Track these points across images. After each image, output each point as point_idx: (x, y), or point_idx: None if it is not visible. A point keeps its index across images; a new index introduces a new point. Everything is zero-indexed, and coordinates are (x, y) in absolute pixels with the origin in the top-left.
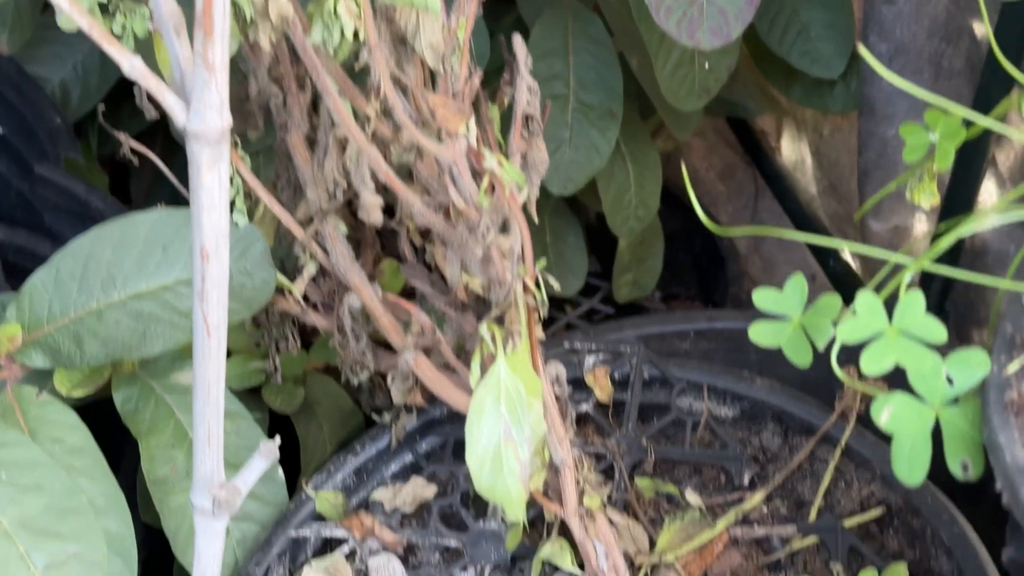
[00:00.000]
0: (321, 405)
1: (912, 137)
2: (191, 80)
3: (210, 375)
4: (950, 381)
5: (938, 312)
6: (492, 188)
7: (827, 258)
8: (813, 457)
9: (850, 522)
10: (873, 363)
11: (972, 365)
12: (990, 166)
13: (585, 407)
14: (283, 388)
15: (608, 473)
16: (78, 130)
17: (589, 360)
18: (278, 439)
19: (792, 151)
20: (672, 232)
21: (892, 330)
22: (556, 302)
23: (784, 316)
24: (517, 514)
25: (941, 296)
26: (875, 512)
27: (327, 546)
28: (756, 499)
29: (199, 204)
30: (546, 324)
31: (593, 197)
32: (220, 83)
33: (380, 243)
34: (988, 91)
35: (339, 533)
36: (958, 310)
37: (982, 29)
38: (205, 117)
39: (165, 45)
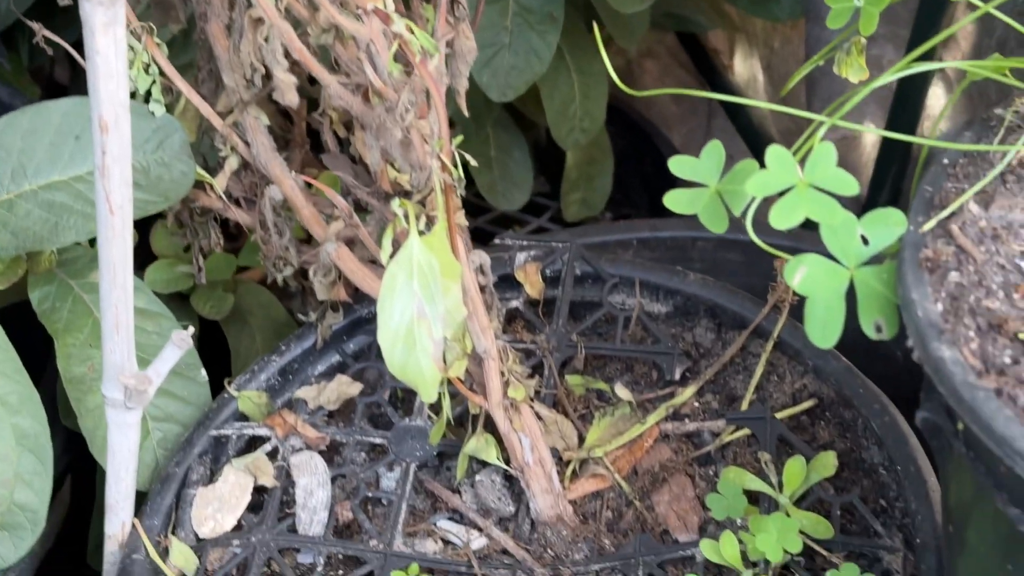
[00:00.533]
0: (253, 315)
1: (836, 2)
2: None
3: (115, 256)
4: (866, 242)
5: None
6: (409, 69)
7: None
8: (746, 351)
9: (781, 414)
10: (783, 217)
11: (888, 224)
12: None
13: (515, 303)
14: (212, 294)
15: (538, 370)
16: (8, 42)
17: (520, 256)
18: (191, 328)
19: (744, 68)
20: (622, 153)
21: (803, 183)
22: (504, 221)
23: (701, 184)
24: (431, 394)
25: (892, 199)
26: (806, 404)
27: (250, 446)
28: (687, 394)
29: (95, 71)
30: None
31: (538, 110)
32: None
33: (310, 147)
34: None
35: (261, 432)
36: None
37: None
38: None
39: None
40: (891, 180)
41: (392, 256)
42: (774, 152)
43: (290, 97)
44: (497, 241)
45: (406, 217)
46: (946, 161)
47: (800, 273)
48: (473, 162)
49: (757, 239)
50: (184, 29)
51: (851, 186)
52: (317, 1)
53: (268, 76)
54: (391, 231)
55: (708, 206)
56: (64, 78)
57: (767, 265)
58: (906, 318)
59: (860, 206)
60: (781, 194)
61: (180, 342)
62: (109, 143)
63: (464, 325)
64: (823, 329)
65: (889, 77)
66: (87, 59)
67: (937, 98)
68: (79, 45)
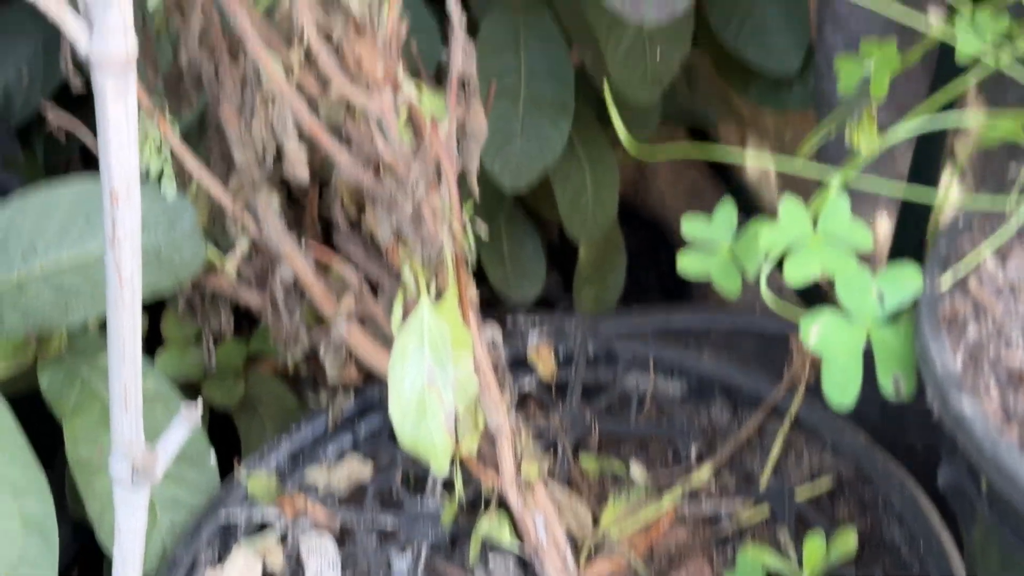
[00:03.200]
0: (263, 403)
1: (846, 68)
2: (93, 2)
3: (124, 329)
4: (882, 299)
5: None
6: (420, 141)
7: None
8: (762, 430)
9: (800, 493)
10: (796, 271)
11: (904, 280)
12: (948, 157)
13: (528, 385)
14: (222, 383)
15: (551, 451)
16: (24, 138)
17: (533, 337)
18: (200, 403)
19: (756, 165)
20: (636, 250)
21: (816, 236)
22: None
23: (714, 245)
24: (442, 465)
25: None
26: (825, 482)
27: (259, 528)
28: (703, 474)
29: (106, 141)
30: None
31: (550, 205)
32: (123, 3)
33: (320, 229)
34: (944, 79)
35: (270, 514)
36: None
37: (936, 20)
38: (108, 41)
39: None
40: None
41: (403, 324)
42: (787, 205)
43: (300, 171)
44: (510, 323)
45: (417, 284)
46: (962, 217)
47: (816, 331)
48: (484, 235)
49: (771, 299)
50: (197, 115)
51: (866, 239)
52: (328, 74)
53: (279, 156)
54: (402, 298)
55: (721, 266)
56: (79, 170)
57: (781, 355)
58: (925, 374)
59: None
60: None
61: (189, 417)
62: (120, 214)
63: (476, 399)
64: (841, 388)
65: (899, 136)
66: (98, 129)
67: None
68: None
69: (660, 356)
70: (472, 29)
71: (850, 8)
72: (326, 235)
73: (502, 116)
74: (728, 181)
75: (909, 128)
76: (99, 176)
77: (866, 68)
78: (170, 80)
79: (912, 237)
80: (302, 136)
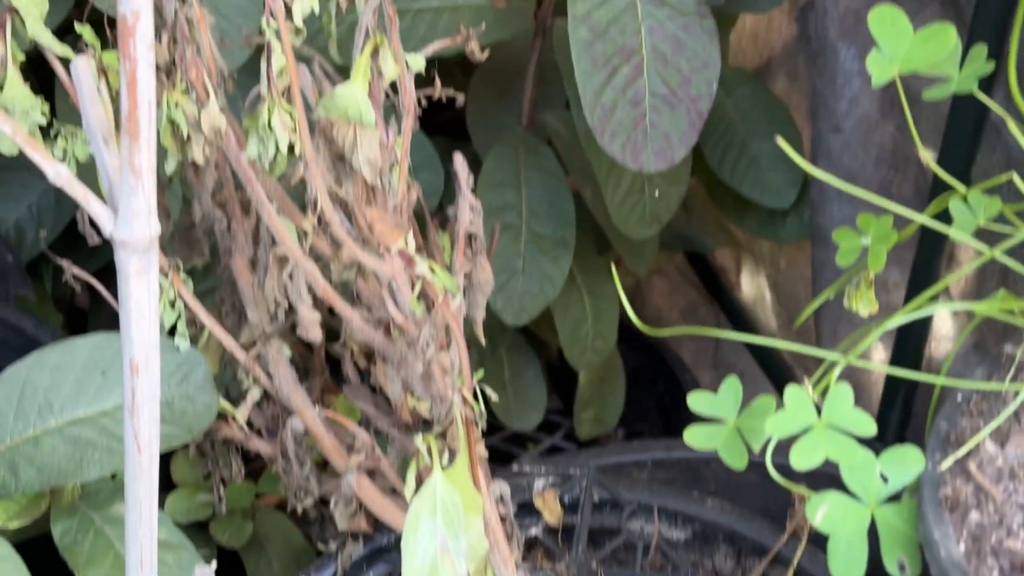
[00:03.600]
0: (271, 542)
1: (845, 241)
2: (119, 188)
3: (142, 493)
4: (885, 479)
5: (901, 430)
6: (430, 305)
7: (783, 385)
8: None
9: None
10: (803, 458)
11: (906, 462)
12: (942, 293)
13: (534, 531)
14: (231, 522)
15: None
16: (33, 271)
17: (538, 483)
18: (214, 564)
19: (751, 286)
20: (635, 370)
21: (821, 424)
22: (518, 439)
23: (720, 419)
24: None
25: (902, 420)
26: None
27: None
28: None
29: (128, 315)
30: (507, 460)
31: (550, 331)
32: (147, 189)
33: (329, 372)
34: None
35: None
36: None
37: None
38: (132, 225)
39: (92, 149)
40: (901, 401)
41: (416, 492)
42: (792, 393)
43: (314, 333)
44: (515, 467)
45: (429, 452)
46: (960, 398)
47: (822, 511)
48: (494, 396)
49: (778, 476)
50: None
51: (868, 426)
52: (340, 239)
53: (291, 309)
54: (415, 467)
55: (727, 442)
56: (85, 303)
57: (783, 490)
58: (929, 557)
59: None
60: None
61: None
62: (139, 384)
63: (486, 558)
64: (846, 566)
65: (897, 321)
66: (120, 303)
67: (943, 320)
68: (100, 274)
69: (664, 503)
70: (474, 164)
71: (842, 144)
72: (333, 374)
73: (504, 252)
74: (723, 300)
75: (895, 321)
76: (112, 332)
77: (863, 241)
78: (182, 228)
79: (903, 401)
80: (316, 300)
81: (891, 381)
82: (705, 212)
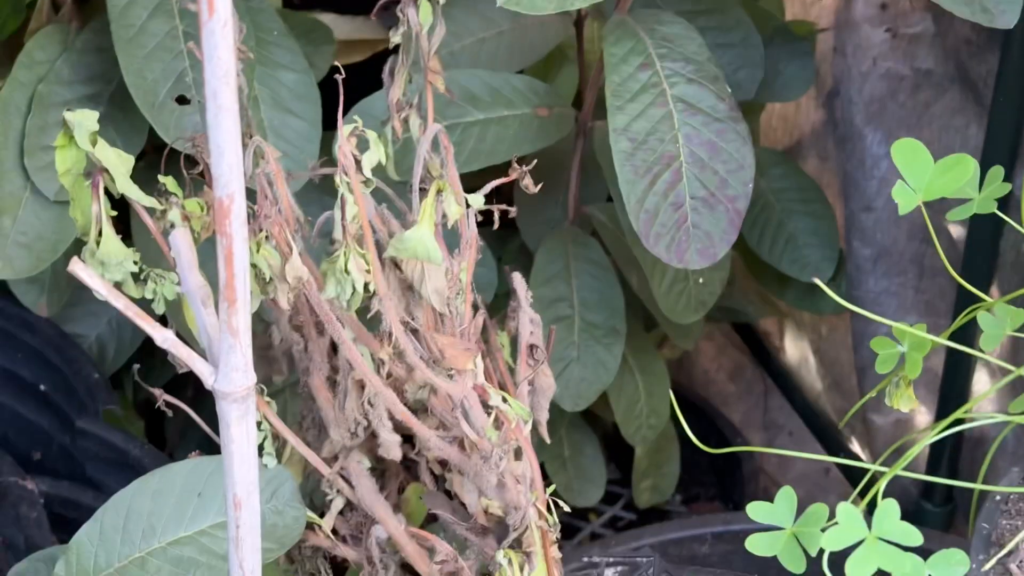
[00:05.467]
0: None
1: (882, 350)
2: (218, 345)
3: None
4: None
5: (947, 500)
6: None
7: (837, 451)
8: None
9: None
10: (857, 570)
11: (952, 564)
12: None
13: None
14: None
15: None
16: (115, 381)
17: (608, 573)
18: None
19: (795, 350)
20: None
21: (872, 537)
22: (579, 511)
23: (778, 526)
24: None
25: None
26: None
27: None
28: None
29: (230, 457)
30: (570, 534)
31: (606, 409)
32: (244, 346)
33: (404, 470)
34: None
35: None
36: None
37: (958, 229)
38: (232, 378)
39: (192, 309)
40: (947, 460)
41: None
42: (843, 510)
43: (395, 454)
44: (585, 560)
45: (510, 564)
46: (998, 498)
47: None
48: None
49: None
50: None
51: (915, 538)
52: (414, 364)
53: (368, 425)
54: None
55: (785, 548)
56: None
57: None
58: None
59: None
60: None
61: None
62: (242, 517)
63: None
64: None
65: (931, 438)
66: (223, 446)
67: (982, 383)
68: (174, 384)
69: None
70: (524, 253)
71: (875, 221)
72: (406, 470)
73: (560, 343)
74: (768, 364)
75: (930, 439)
76: (204, 446)
77: (900, 349)
78: (261, 348)
79: (948, 460)
80: (395, 423)
81: (936, 448)
82: (747, 284)
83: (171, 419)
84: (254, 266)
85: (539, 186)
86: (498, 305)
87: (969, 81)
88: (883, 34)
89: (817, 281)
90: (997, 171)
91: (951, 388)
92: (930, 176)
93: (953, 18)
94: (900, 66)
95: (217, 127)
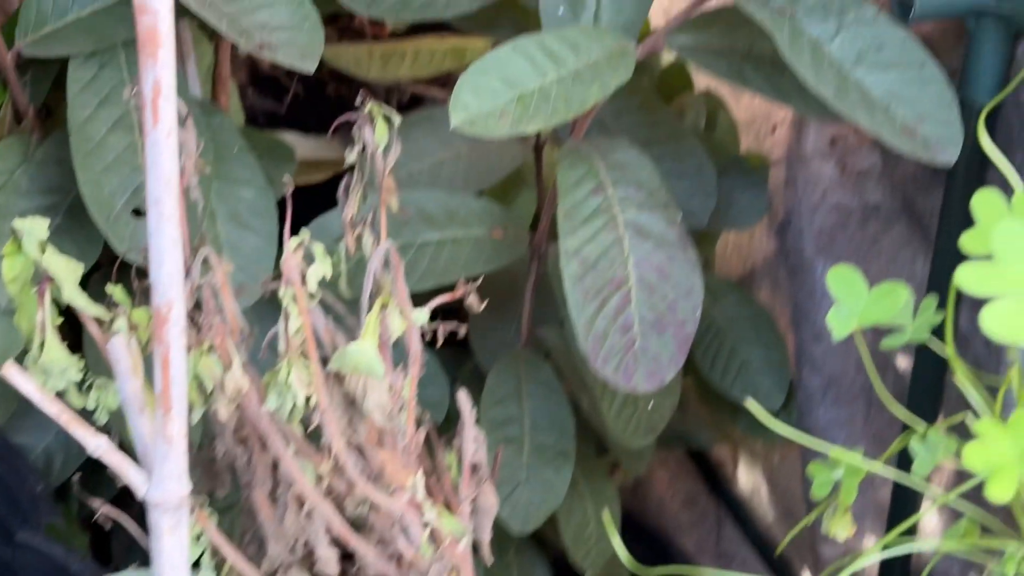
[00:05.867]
0: None
1: (818, 475)
2: (152, 452)
3: None
4: None
5: None
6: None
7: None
8: None
9: None
10: None
11: None
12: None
13: None
14: None
15: None
16: (60, 492)
17: None
18: None
19: (748, 479)
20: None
21: None
22: None
23: None
24: None
25: None
26: None
27: None
28: None
29: (160, 570)
30: None
31: (555, 530)
32: (179, 454)
33: None
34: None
35: None
36: None
37: (905, 362)
38: (165, 487)
39: (128, 417)
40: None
41: None
42: None
43: (332, 570)
44: None
45: None
46: None
47: None
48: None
49: None
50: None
51: None
52: (353, 480)
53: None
54: None
55: None
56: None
57: None
58: None
59: None
60: None
61: None
62: None
63: None
64: None
65: (871, 556)
66: (152, 558)
67: (930, 517)
68: (120, 498)
69: None
70: (476, 375)
71: (824, 351)
72: None
73: (507, 464)
74: (721, 492)
75: (870, 555)
76: (143, 569)
77: (836, 474)
78: (205, 461)
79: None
80: (332, 538)
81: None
82: (700, 411)
83: (117, 533)
84: (197, 376)
85: (485, 304)
86: (449, 426)
87: (916, 215)
88: (832, 168)
89: (752, 406)
90: (930, 301)
91: (898, 518)
92: (865, 303)
93: (900, 154)
94: (849, 200)
95: (159, 234)
